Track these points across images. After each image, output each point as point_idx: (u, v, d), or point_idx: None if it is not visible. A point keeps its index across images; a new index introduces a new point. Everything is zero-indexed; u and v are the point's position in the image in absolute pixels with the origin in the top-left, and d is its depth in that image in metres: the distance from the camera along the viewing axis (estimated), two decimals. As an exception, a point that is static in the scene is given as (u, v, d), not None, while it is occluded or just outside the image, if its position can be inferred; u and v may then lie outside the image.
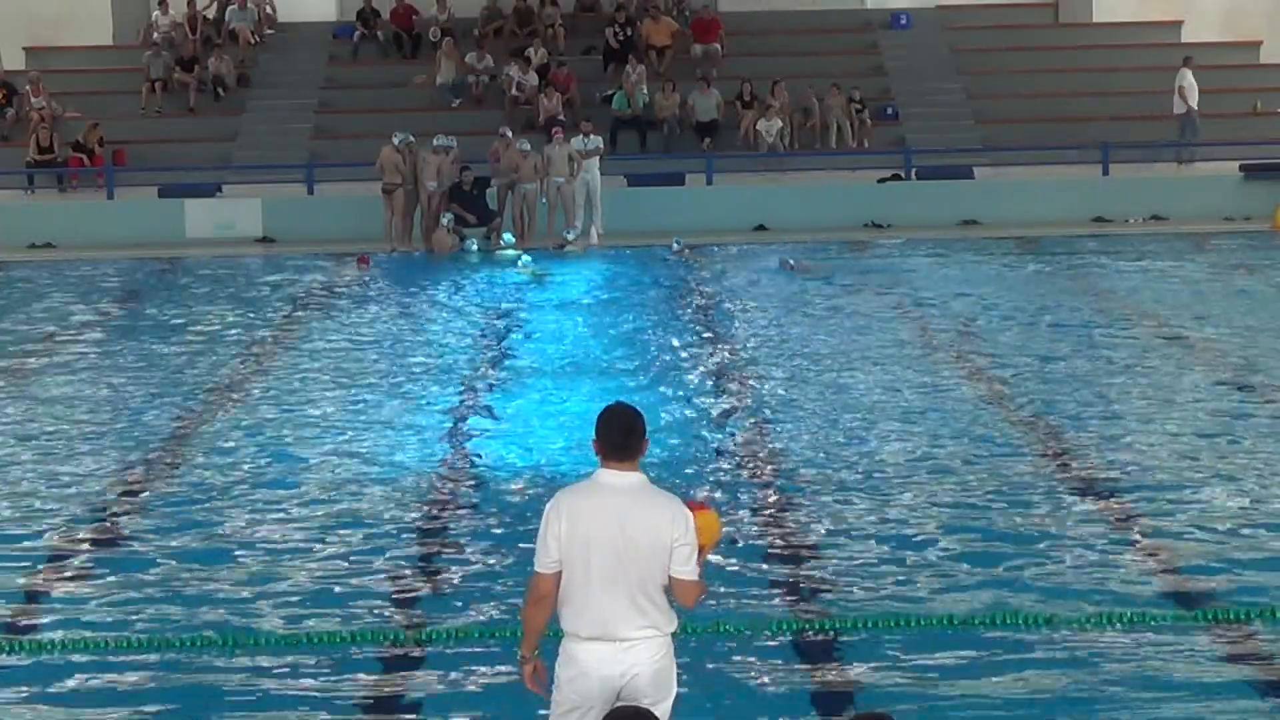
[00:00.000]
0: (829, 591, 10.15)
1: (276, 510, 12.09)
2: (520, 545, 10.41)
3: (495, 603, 9.94)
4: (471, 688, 8.72)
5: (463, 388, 16.45)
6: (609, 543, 6.34)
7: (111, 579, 10.61)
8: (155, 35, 34.67)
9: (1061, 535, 11.09)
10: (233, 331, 19.91)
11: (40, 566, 10.92)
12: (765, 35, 35.60)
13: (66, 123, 32.20)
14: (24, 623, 9.85)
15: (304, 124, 33.02)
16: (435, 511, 12.11)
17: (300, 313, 21.36)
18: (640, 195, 28.81)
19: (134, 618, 9.83)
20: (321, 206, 29.29)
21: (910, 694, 8.46)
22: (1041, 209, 28.76)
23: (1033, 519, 11.48)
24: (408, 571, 10.73)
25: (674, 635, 6.48)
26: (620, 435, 6.44)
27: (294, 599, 10.14)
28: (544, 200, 27.31)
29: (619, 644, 6.35)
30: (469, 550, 11.14)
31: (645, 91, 32.52)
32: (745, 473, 13.04)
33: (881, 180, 29.94)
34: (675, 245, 26.24)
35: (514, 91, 32.64)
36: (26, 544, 11.42)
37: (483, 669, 8.92)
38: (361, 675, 8.94)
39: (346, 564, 10.84)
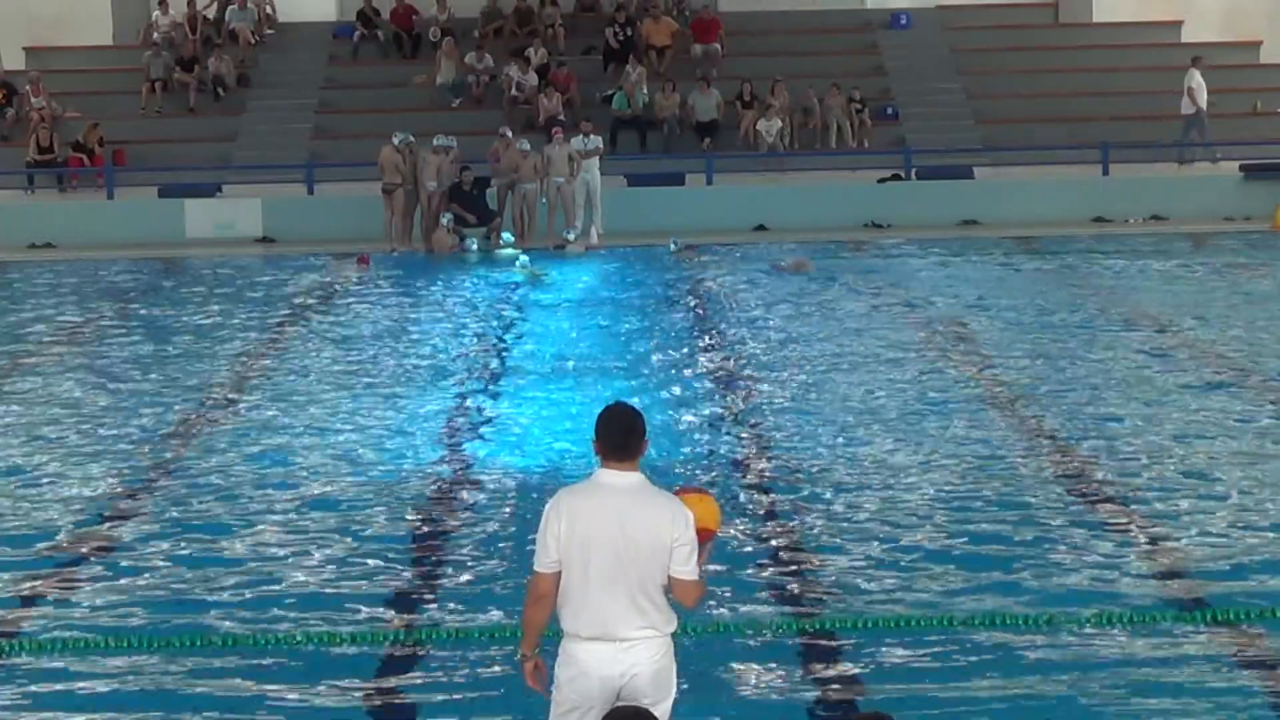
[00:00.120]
0: (829, 592, 10.14)
1: (275, 510, 12.08)
2: (520, 545, 10.41)
3: (495, 603, 9.93)
4: (472, 688, 8.71)
5: (462, 387, 16.45)
6: (609, 543, 6.34)
7: (111, 579, 10.60)
8: (155, 35, 34.69)
9: (1061, 536, 11.08)
10: (233, 331, 19.91)
11: (39, 567, 10.90)
12: (765, 35, 35.62)
13: (66, 123, 32.22)
14: (22, 624, 9.84)
15: (304, 124, 33.03)
16: (435, 512, 12.10)
17: (300, 313, 21.36)
18: (640, 195, 28.83)
19: (133, 619, 9.82)
20: (321, 206, 29.30)
21: (910, 695, 8.45)
22: (1041, 209, 28.78)
23: (1032, 520, 11.46)
24: (407, 572, 10.72)
25: (674, 635, 6.47)
26: (620, 435, 6.44)
27: (293, 599, 10.13)
28: (544, 200, 27.33)
29: (619, 644, 6.35)
30: (468, 550, 11.13)
31: (645, 91, 32.53)
32: (745, 473, 13.03)
33: (881, 180, 29.95)
34: (673, 245, 26.26)
35: (514, 91, 32.65)
36: (25, 544, 11.41)
37: (483, 669, 8.92)
38: (361, 676, 8.93)
39: (345, 564, 10.83)
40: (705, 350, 18.24)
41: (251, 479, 12.94)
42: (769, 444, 13.85)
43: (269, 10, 36.02)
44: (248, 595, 10.19)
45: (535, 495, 11.96)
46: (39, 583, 10.59)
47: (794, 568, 10.65)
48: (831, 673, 8.92)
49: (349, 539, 11.34)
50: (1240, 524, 11.31)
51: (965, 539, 11.05)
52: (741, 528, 11.34)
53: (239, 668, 9.01)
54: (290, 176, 30.40)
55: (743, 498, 12.25)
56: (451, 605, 10.05)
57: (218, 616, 9.81)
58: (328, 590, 10.30)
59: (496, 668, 8.84)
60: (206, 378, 17.08)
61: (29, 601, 10.25)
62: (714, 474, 12.86)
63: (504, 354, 18.31)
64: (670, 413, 14.87)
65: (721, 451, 13.72)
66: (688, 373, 16.98)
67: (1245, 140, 30.89)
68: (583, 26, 35.75)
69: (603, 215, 27.39)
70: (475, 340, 19.22)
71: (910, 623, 9.38)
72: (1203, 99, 31.29)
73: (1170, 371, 16.51)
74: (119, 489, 12.81)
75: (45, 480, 13.08)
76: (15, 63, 34.77)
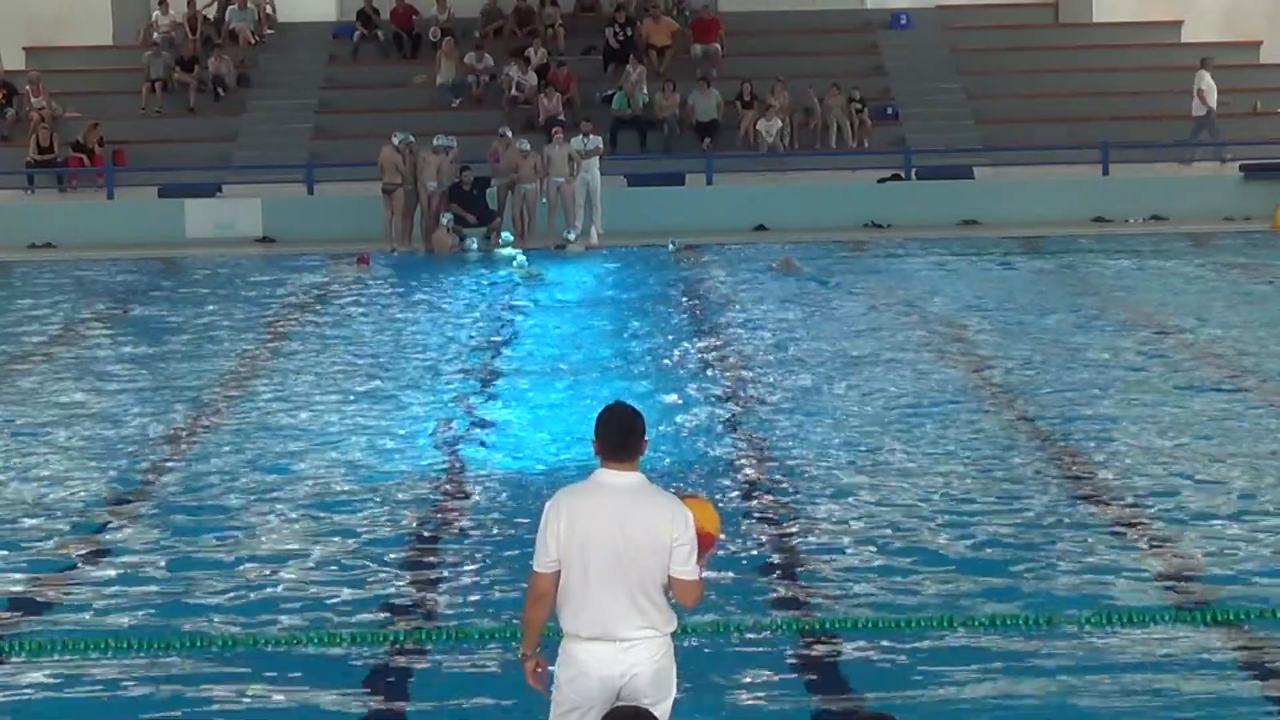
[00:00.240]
0: (829, 592, 10.14)
1: (274, 510, 12.07)
2: (520, 546, 10.39)
3: (495, 604, 9.93)
4: (472, 689, 8.70)
5: (462, 388, 16.45)
6: (608, 542, 6.34)
7: (110, 580, 10.59)
8: (155, 35, 34.69)
9: (1061, 536, 11.08)
10: (233, 331, 19.92)
11: (38, 567, 10.90)
12: (765, 35, 35.62)
13: (66, 123, 32.22)
14: (21, 625, 9.83)
15: (304, 124, 33.03)
16: (434, 512, 12.10)
17: (300, 312, 21.36)
18: (640, 195, 28.83)
19: (132, 620, 9.81)
20: (321, 206, 29.30)
21: (911, 694, 8.45)
22: (1041, 209, 28.78)
23: (1032, 520, 11.46)
24: (406, 573, 10.71)
25: (674, 635, 6.47)
26: (620, 435, 6.44)
27: (292, 600, 10.13)
28: (544, 200, 27.33)
29: (619, 644, 6.35)
30: (468, 550, 11.12)
31: (645, 91, 32.53)
32: (745, 473, 13.02)
33: (881, 180, 29.95)
34: (672, 245, 26.27)
35: (514, 91, 32.64)
36: (24, 544, 11.41)
37: (483, 670, 8.92)
38: (361, 676, 8.93)
39: (345, 565, 10.82)
40: (704, 350, 18.23)
41: (250, 479, 12.93)
42: (768, 444, 13.85)
43: (269, 10, 36.01)
44: (247, 596, 10.19)
45: (535, 495, 11.95)
46: (38, 583, 10.58)
47: (794, 568, 10.64)
48: (832, 674, 8.92)
49: (348, 539, 11.33)
50: (1240, 524, 11.30)
51: (965, 540, 11.04)
52: (740, 528, 11.33)
53: (239, 668, 9.01)
54: (290, 176, 30.40)
55: (742, 498, 12.24)
56: (451, 605, 10.05)
57: (217, 617, 9.80)
58: (327, 591, 10.30)
59: (497, 668, 8.83)
60: (206, 378, 17.07)
61: (28, 602, 10.24)
62: (713, 474, 12.86)
63: (503, 354, 18.30)
64: (669, 413, 14.86)
65: (720, 452, 13.71)
66: (686, 373, 16.98)
67: (1245, 140, 30.89)
68: (583, 26, 35.75)
69: (603, 215, 27.39)
70: (475, 340, 19.22)
71: (911, 624, 9.38)
72: (1213, 99, 31.32)
73: (1170, 372, 16.51)
74: (117, 489, 12.80)
75: (43, 481, 13.07)
76: (15, 63, 34.77)
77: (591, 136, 27.72)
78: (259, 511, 12.05)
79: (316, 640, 9.39)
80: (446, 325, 20.21)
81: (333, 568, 10.75)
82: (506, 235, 26.74)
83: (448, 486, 12.77)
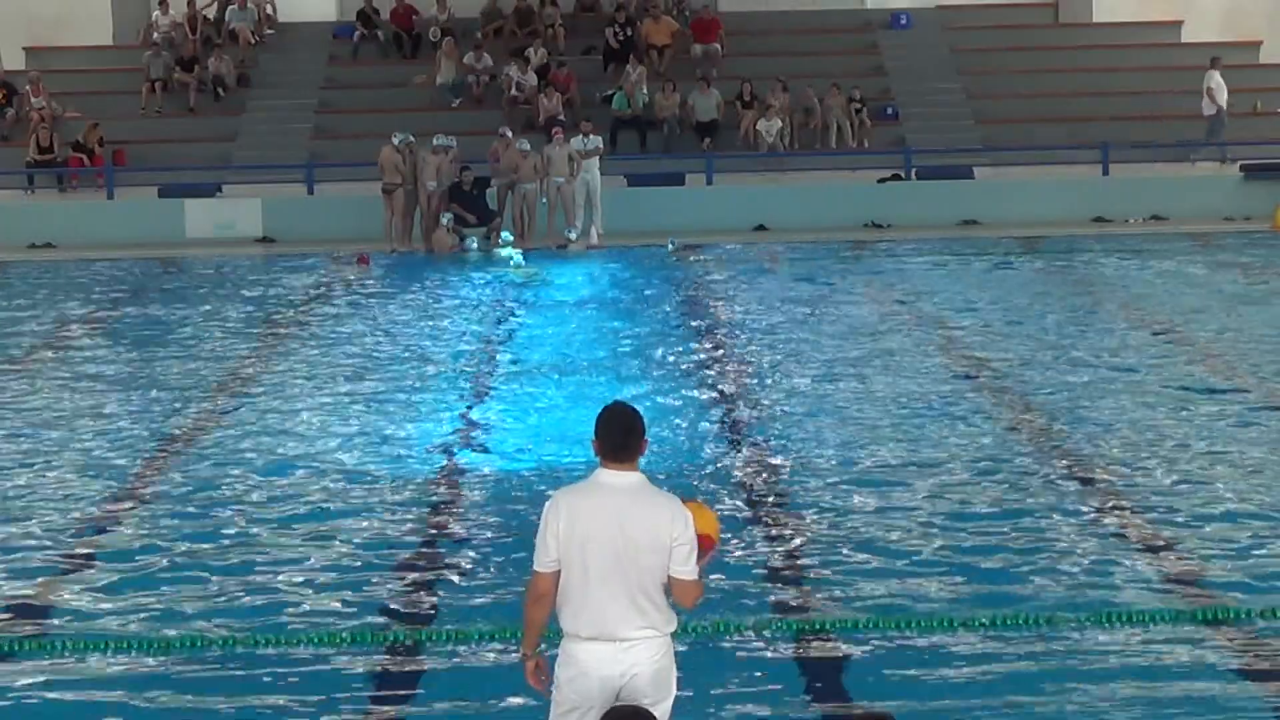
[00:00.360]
0: (829, 592, 10.14)
1: (275, 510, 12.07)
2: (520, 546, 10.39)
3: (494, 604, 9.93)
4: (472, 689, 8.70)
5: (462, 387, 16.45)
6: (608, 542, 6.34)
7: (110, 579, 10.59)
8: (155, 35, 34.70)
9: (1061, 536, 11.08)
10: (232, 331, 19.91)
11: (37, 567, 10.90)
12: (765, 35, 35.63)
13: (66, 123, 32.23)
14: (20, 626, 9.83)
15: (304, 124, 33.04)
16: (435, 512, 12.10)
17: (300, 312, 21.36)
18: (640, 195, 28.84)
19: (131, 621, 9.81)
20: (321, 206, 29.30)
21: (910, 695, 8.45)
22: (1041, 209, 28.79)
23: (1032, 520, 11.46)
24: (406, 573, 10.70)
25: (673, 635, 6.47)
26: (620, 435, 6.44)
27: (292, 600, 10.13)
28: (544, 200, 27.33)
29: (618, 644, 6.35)
30: (468, 550, 11.12)
31: (645, 91, 32.53)
32: (744, 473, 13.02)
33: (881, 180, 29.96)
34: (670, 245, 26.29)
35: (514, 91, 32.65)
36: (24, 544, 11.40)
37: (483, 670, 8.92)
38: (361, 676, 8.93)
39: (344, 565, 10.82)
40: (703, 351, 18.23)
41: (250, 480, 12.93)
42: (767, 444, 13.84)
43: (269, 10, 36.02)
44: (246, 597, 10.19)
45: (534, 495, 11.95)
46: (38, 584, 10.58)
47: (794, 568, 10.64)
48: (831, 674, 8.92)
49: (347, 540, 11.33)
50: (1241, 524, 11.30)
51: (965, 539, 11.04)
52: (740, 528, 11.33)
53: (239, 669, 9.01)
54: (290, 176, 30.40)
55: (741, 498, 12.24)
56: (450, 606, 10.05)
57: (216, 619, 9.79)
58: (327, 591, 10.30)
59: (497, 668, 8.83)
60: (205, 378, 17.07)
61: (27, 603, 10.24)
62: (712, 474, 12.85)
63: (504, 354, 18.30)
64: (668, 413, 14.86)
65: (720, 452, 13.71)
66: (686, 373, 16.97)
67: (1245, 140, 30.89)
68: (583, 26, 35.75)
69: (603, 215, 27.40)
70: (475, 340, 19.22)
71: (910, 624, 9.38)
72: (1223, 99, 31.34)
73: (1170, 372, 16.50)
74: (116, 490, 12.79)
75: (41, 482, 13.06)
76: (15, 63, 34.77)
77: (591, 136, 27.72)
78: (258, 512, 12.04)
79: (316, 641, 9.38)
80: (446, 325, 20.21)
81: (332, 569, 10.75)
82: (506, 235, 26.75)
83: (447, 486, 12.77)
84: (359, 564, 10.83)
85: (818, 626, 9.54)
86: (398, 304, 22.00)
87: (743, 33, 35.39)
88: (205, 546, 11.21)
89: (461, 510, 12.13)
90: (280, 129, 32.77)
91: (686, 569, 6.39)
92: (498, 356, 18.16)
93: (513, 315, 20.90)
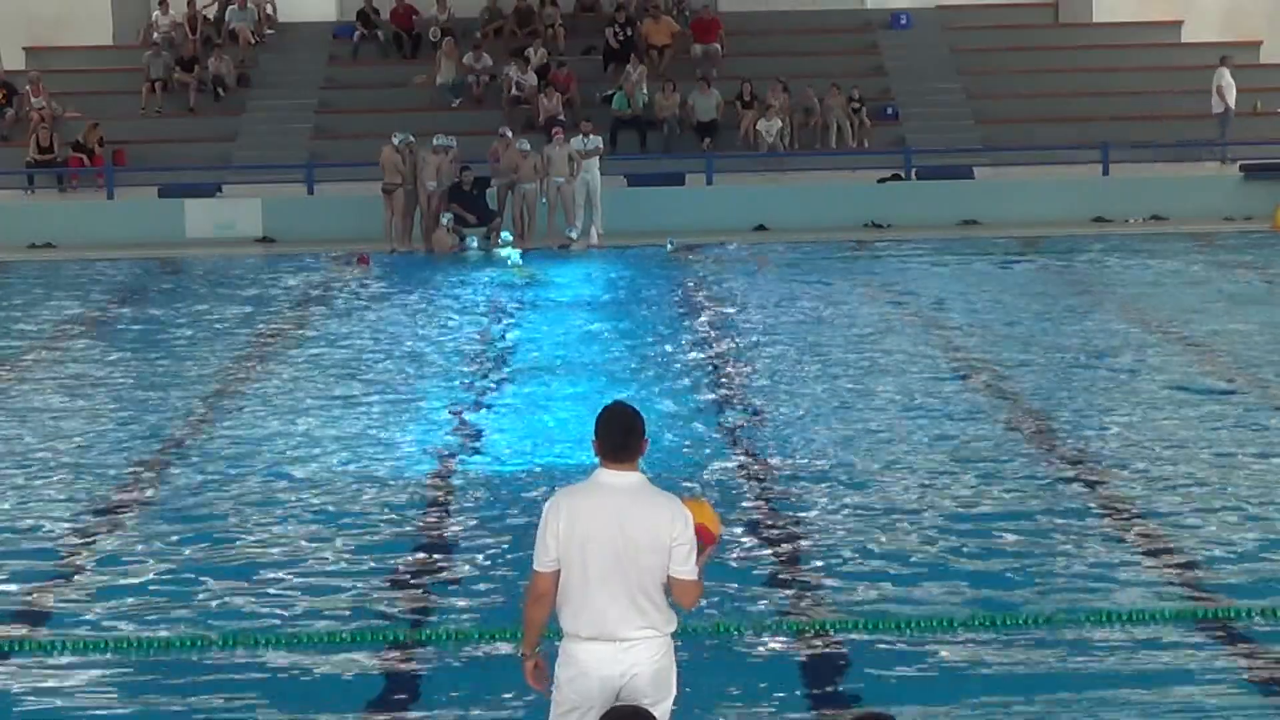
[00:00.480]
0: (829, 592, 10.14)
1: (275, 510, 12.07)
2: (520, 546, 10.39)
3: (494, 604, 9.93)
4: (472, 688, 8.70)
5: (462, 387, 16.46)
6: (608, 542, 6.34)
7: (110, 578, 10.59)
8: (155, 35, 34.68)
9: (1061, 536, 11.08)
10: (232, 332, 19.92)
11: (37, 566, 10.90)
12: (765, 35, 35.61)
13: (66, 123, 32.21)
14: (20, 625, 9.83)
15: (304, 124, 33.03)
16: (434, 511, 12.10)
17: (300, 313, 21.36)
18: (640, 195, 28.82)
19: (131, 621, 9.81)
20: (321, 206, 29.29)
21: (910, 695, 8.45)
22: (1041, 209, 28.77)
23: (1032, 520, 11.46)
24: (406, 573, 10.71)
25: (673, 635, 6.47)
26: (620, 435, 6.44)
27: (292, 600, 10.13)
28: (544, 200, 27.33)
29: (618, 644, 6.35)
30: (468, 550, 11.13)
31: (645, 91, 32.52)
32: (744, 473, 13.02)
33: (881, 180, 29.94)
34: (669, 245, 26.29)
35: (514, 91, 32.64)
36: (24, 544, 11.41)
37: (483, 670, 8.92)
38: (361, 676, 8.94)
39: (345, 565, 10.83)
40: (702, 351, 18.23)
41: (249, 480, 12.93)
42: (767, 445, 13.84)
43: (269, 10, 36.00)
44: (246, 598, 10.19)
45: (534, 495, 11.96)
46: (36, 584, 10.58)
47: (793, 569, 10.64)
48: (831, 674, 8.92)
49: (348, 539, 11.33)
50: (1241, 524, 11.31)
51: (965, 539, 11.04)
52: (740, 528, 11.32)
53: (238, 668, 9.01)
54: (290, 176, 30.38)
55: (741, 498, 12.24)
56: (451, 605, 10.05)
57: (216, 620, 9.80)
58: (327, 591, 10.30)
59: (497, 668, 8.83)
60: (205, 378, 17.07)
61: (26, 603, 10.24)
62: (712, 474, 12.86)
63: (504, 354, 18.30)
64: (668, 413, 14.86)
65: (720, 452, 13.71)
66: (685, 373, 16.97)
67: (1245, 140, 30.89)
68: (583, 26, 35.74)
69: (603, 215, 27.39)
70: (475, 340, 19.22)
71: (910, 624, 9.38)
72: (1231, 97, 31.33)
73: (1170, 373, 16.51)
74: (116, 491, 12.79)
75: (40, 483, 13.06)
76: (15, 63, 34.76)
77: (591, 136, 27.71)
78: (258, 513, 12.04)
79: (316, 642, 9.38)
80: (447, 326, 20.21)
81: (331, 569, 10.75)
82: (506, 235, 26.75)
83: (447, 486, 12.77)
84: (358, 563, 10.83)
85: (817, 627, 9.54)
86: (397, 304, 21.99)
87: (743, 33, 35.38)
88: (204, 547, 11.21)
89: (461, 510, 12.13)
90: (280, 129, 32.76)
91: (686, 569, 6.39)
92: (498, 357, 18.16)
93: (513, 315, 20.89)
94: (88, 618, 9.87)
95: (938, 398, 15.38)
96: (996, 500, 12.00)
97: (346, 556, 10.98)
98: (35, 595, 10.35)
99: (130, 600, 10.14)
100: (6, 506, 12.35)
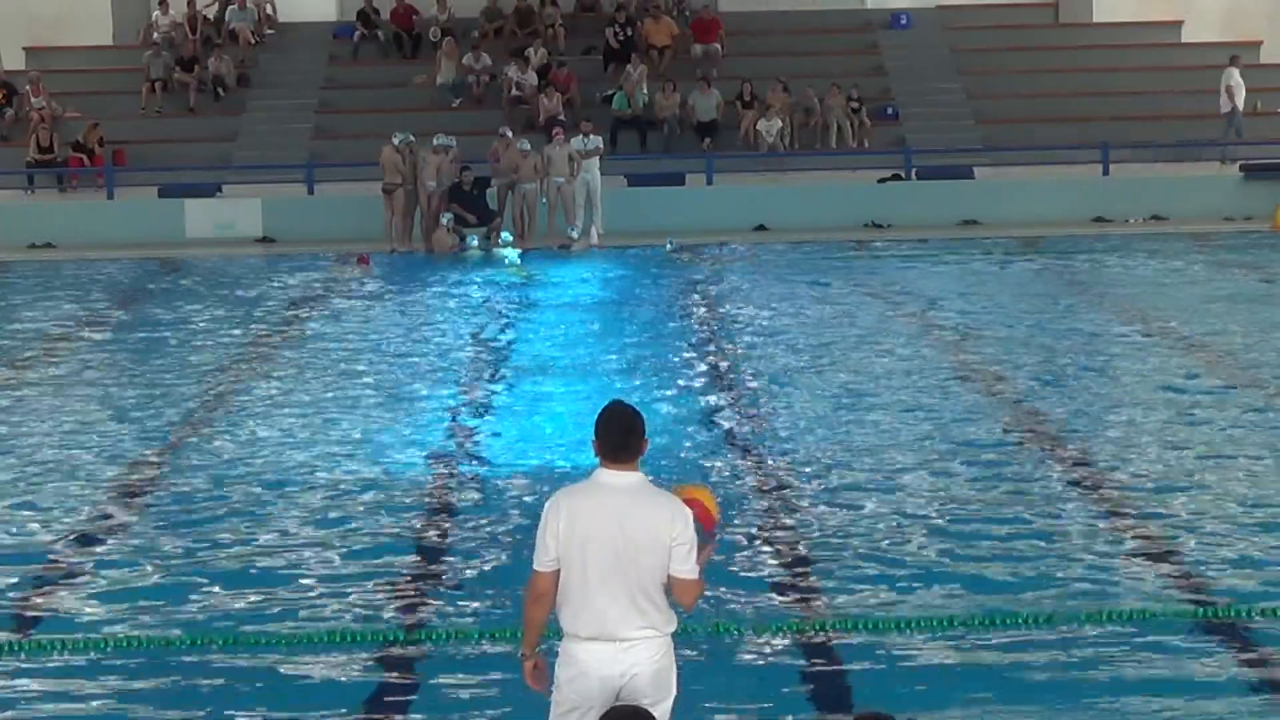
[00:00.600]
0: (829, 592, 10.13)
1: (275, 510, 12.07)
2: (520, 546, 10.39)
3: (494, 604, 9.93)
4: (472, 688, 8.70)
5: (462, 387, 16.46)
6: (608, 542, 6.34)
7: (111, 579, 10.59)
8: (155, 35, 34.69)
9: (1061, 535, 11.08)
10: (232, 332, 19.92)
11: (38, 566, 10.90)
12: (765, 35, 35.62)
13: (66, 123, 32.22)
14: (22, 624, 9.83)
15: (304, 124, 33.03)
16: (434, 512, 12.10)
17: (300, 313, 21.36)
18: (640, 195, 28.83)
19: (131, 621, 9.81)
20: (321, 206, 29.30)
21: (910, 694, 8.45)
22: (1041, 209, 28.78)
23: (1032, 519, 11.46)
24: (406, 573, 10.71)
25: (673, 635, 6.47)
26: (620, 435, 6.44)
27: (291, 600, 10.13)
28: (544, 200, 27.33)
29: (618, 644, 6.35)
30: (468, 550, 11.12)
31: (645, 91, 32.53)
32: (743, 473, 13.02)
33: (881, 180, 29.95)
34: (669, 245, 26.29)
35: (514, 91, 32.64)
36: (24, 545, 11.40)
37: (483, 670, 8.91)
38: (361, 676, 8.94)
39: (345, 565, 10.82)
40: (703, 349, 18.23)
41: (250, 480, 12.92)
42: (767, 444, 13.84)
43: (269, 10, 36.01)
44: (246, 599, 10.18)
45: (534, 495, 11.95)
46: (36, 584, 10.58)
47: (793, 569, 10.64)
48: (831, 674, 8.92)
49: (348, 539, 11.33)
50: (1241, 524, 11.30)
51: (964, 539, 11.04)
52: (740, 528, 11.32)
53: (239, 667, 9.01)
54: (290, 176, 30.39)
55: (741, 498, 12.23)
56: (451, 605, 10.05)
57: (216, 621, 9.79)
58: (327, 591, 10.29)
59: (496, 668, 8.83)
60: (204, 379, 17.06)
61: (26, 603, 10.23)
62: (712, 474, 12.85)
63: (504, 354, 18.30)
64: (668, 414, 14.86)
65: (719, 451, 13.71)
66: (685, 372, 16.97)
67: (1245, 140, 30.88)
68: (583, 26, 35.75)
69: (603, 215, 27.39)
70: (475, 340, 19.22)
71: (910, 623, 9.38)
72: (1240, 98, 31.32)
73: (1170, 372, 16.50)
74: (116, 491, 12.79)
75: (39, 483, 13.06)
76: (15, 63, 34.76)
77: (591, 136, 27.72)
78: (258, 513, 12.03)
79: (316, 642, 9.38)
80: (447, 326, 20.21)
81: (332, 569, 10.75)
82: (506, 235, 26.76)
83: (447, 487, 12.76)
84: (358, 563, 10.82)
85: (817, 627, 9.54)
86: (398, 304, 21.99)
87: (743, 33, 35.38)
88: (204, 548, 11.20)
89: (461, 510, 12.13)
90: (280, 129, 32.76)
91: (687, 568, 6.39)
92: (498, 357, 18.16)
93: (513, 316, 20.88)
94: (86, 619, 9.87)
95: (938, 398, 15.37)
96: (996, 501, 11.99)
97: (345, 556, 10.97)
98: (33, 596, 10.34)
99: (129, 601, 10.13)
100: (5, 506, 12.34)
